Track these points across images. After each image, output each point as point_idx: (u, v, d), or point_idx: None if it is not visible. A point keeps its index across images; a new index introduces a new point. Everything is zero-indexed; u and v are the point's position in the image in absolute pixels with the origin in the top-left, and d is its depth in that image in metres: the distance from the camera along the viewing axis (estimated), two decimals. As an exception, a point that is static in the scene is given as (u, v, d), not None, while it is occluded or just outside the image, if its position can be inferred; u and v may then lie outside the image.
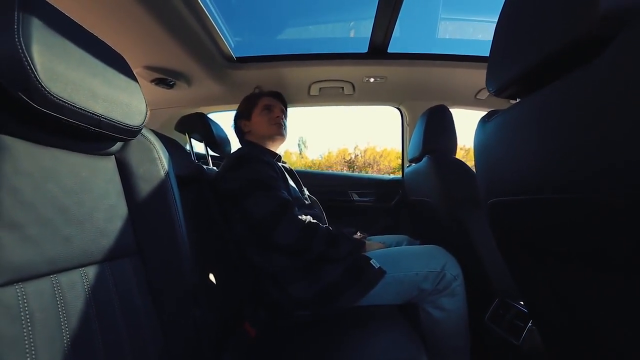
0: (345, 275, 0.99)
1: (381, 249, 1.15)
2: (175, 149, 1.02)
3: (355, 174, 1.87)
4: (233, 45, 1.39)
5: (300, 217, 1.01)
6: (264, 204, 0.98)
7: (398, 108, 1.79)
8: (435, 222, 1.21)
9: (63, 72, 0.43)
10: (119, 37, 1.08)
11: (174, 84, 1.40)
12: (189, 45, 1.19)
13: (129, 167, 0.63)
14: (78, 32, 0.49)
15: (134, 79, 0.61)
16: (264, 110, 1.26)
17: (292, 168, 1.39)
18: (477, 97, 1.61)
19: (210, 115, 1.43)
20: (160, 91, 1.44)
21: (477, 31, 1.54)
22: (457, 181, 1.09)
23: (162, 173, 0.69)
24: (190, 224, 0.74)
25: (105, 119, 0.51)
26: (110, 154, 0.60)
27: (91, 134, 0.51)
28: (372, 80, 1.51)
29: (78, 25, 0.50)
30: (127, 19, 0.99)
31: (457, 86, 1.57)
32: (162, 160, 0.70)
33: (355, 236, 1.34)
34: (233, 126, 1.33)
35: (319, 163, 11.31)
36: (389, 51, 1.40)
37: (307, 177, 1.81)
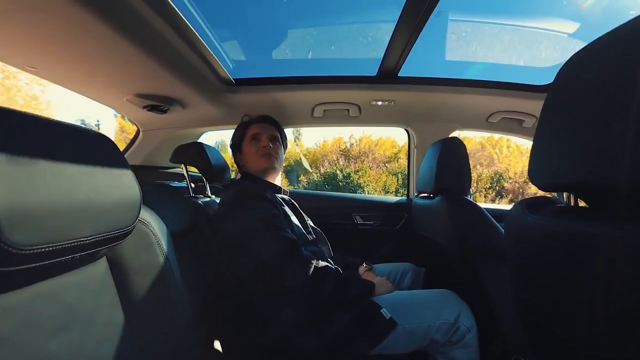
0: (354, 325, 0.94)
1: (391, 293, 1.10)
2: (171, 200, 0.94)
3: (360, 195, 1.80)
4: (232, 67, 1.29)
5: (308, 258, 0.96)
6: (270, 245, 0.92)
7: (406, 129, 1.70)
8: (446, 264, 1.16)
9: (26, 206, 0.35)
10: (107, 69, 0.98)
11: (167, 110, 1.30)
12: (183, 72, 1.09)
13: (123, 266, 0.55)
14: (38, 133, 0.40)
15: (122, 162, 0.53)
16: (252, 140, 1.17)
17: (294, 202, 1.32)
18: (489, 120, 1.53)
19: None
20: (154, 114, 1.34)
21: (486, 54, 1.45)
22: (472, 227, 1.03)
23: (161, 259, 0.61)
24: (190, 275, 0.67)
25: (91, 238, 0.43)
26: (100, 258, 0.53)
27: (74, 260, 0.43)
28: (379, 103, 1.42)
29: (37, 119, 0.40)
30: (114, 54, 0.89)
31: (468, 109, 1.49)
32: (161, 241, 0.63)
33: (361, 267, 1.29)
34: (232, 158, 1.25)
35: (314, 151, 11.19)
36: (400, 75, 1.30)
37: (309, 200, 1.75)
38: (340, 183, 9.26)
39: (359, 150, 10.96)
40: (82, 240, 0.42)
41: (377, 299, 1.00)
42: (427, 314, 0.97)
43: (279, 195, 1.16)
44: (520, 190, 10.07)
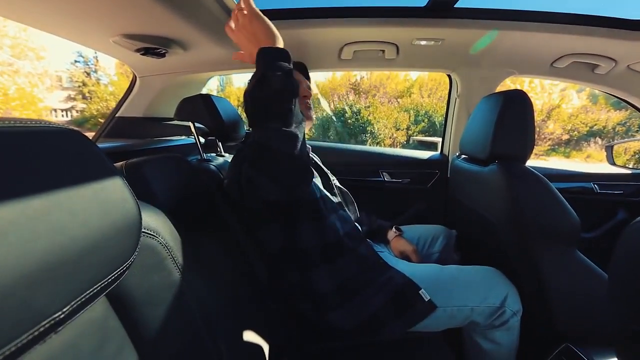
0: (389, 306, 0.87)
1: (432, 270, 1.00)
2: (176, 175, 0.77)
3: (388, 150, 1.61)
4: (241, -4, 1.00)
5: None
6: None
7: (449, 75, 1.43)
8: (493, 241, 1.04)
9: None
10: (84, 8, 0.74)
11: (165, 53, 1.06)
12: (179, 6, 0.83)
13: (127, 299, 0.42)
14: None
15: (106, 169, 0.36)
16: None
17: (316, 159, 1.16)
18: (554, 65, 1.25)
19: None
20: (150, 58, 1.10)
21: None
22: (536, 206, 0.87)
23: (177, 276, 0.48)
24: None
25: (75, 303, 0.29)
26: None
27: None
28: (423, 42, 1.15)
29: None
30: None
31: (529, 51, 1.21)
32: (174, 252, 0.49)
33: (390, 232, 1.20)
34: (242, 106, 1.05)
35: (323, 85, 10.55)
36: (456, 6, 1.01)
37: (333, 154, 1.57)
38: (349, 120, 8.90)
39: (370, 84, 10.30)
40: (57, 317, 0.28)
41: (415, 278, 0.90)
42: (471, 296, 0.89)
43: None
44: (538, 130, 9.64)
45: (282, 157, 0.63)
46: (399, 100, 9.74)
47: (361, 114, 8.94)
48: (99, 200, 0.33)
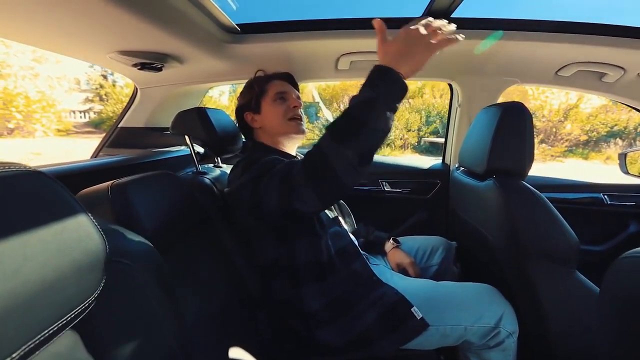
0: (381, 323, 0.85)
1: (426, 287, 0.98)
2: (163, 191, 0.78)
3: (389, 159, 1.59)
4: (235, 9, 1.01)
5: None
6: (274, 182, 0.70)
7: (449, 84, 1.40)
8: (490, 257, 1.01)
9: None
10: (74, 23, 0.76)
11: (161, 67, 1.07)
12: (172, 23, 0.85)
13: (96, 330, 0.42)
14: None
15: (68, 206, 0.37)
16: (276, 99, 0.96)
17: None
18: (559, 73, 1.21)
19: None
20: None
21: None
22: (532, 225, 0.84)
23: (153, 303, 0.49)
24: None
25: (32, 343, 0.30)
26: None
27: None
28: (421, 52, 1.13)
29: None
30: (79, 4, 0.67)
31: (533, 60, 1.17)
32: (148, 279, 0.49)
33: (388, 243, 1.18)
34: (236, 121, 1.05)
35: (333, 86, 10.49)
36: (452, 16, 0.99)
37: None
38: (359, 121, 8.81)
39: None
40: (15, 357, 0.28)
41: (409, 295, 0.89)
42: (465, 315, 0.87)
43: None
44: (554, 130, 9.36)
45: (337, 182, 0.60)
46: (410, 100, 9.63)
47: (371, 115, 8.86)
48: (58, 241, 0.34)
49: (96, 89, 11.54)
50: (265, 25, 1.07)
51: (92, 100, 11.77)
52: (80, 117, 11.56)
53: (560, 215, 0.85)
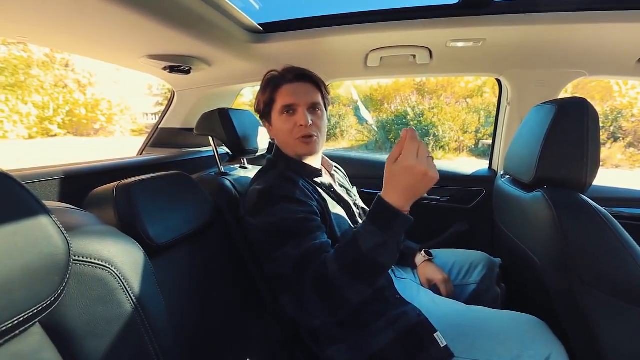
0: (397, 346, 0.76)
1: (456, 311, 0.87)
2: (182, 192, 0.78)
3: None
4: (258, 9, 0.99)
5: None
6: (288, 257, 0.72)
7: (497, 79, 1.23)
8: (537, 283, 0.85)
9: None
10: (103, 31, 0.81)
11: (189, 70, 1.10)
12: (194, 26, 0.86)
13: (65, 329, 0.41)
14: None
15: (30, 209, 0.36)
16: (283, 112, 0.84)
17: (342, 176, 1.07)
18: (642, 61, 0.98)
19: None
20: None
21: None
22: (593, 251, 0.68)
23: (128, 308, 0.47)
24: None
25: None
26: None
27: None
28: (461, 44, 0.99)
29: None
30: (107, 15, 0.72)
31: (605, 46, 0.96)
32: (130, 282, 0.48)
33: (419, 255, 1.07)
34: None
35: (385, 87, 10.18)
36: (495, 0, 0.85)
37: (360, 167, 1.48)
38: (411, 123, 8.47)
39: (436, 83, 9.69)
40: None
41: (434, 317, 0.78)
42: (500, 350, 0.74)
43: (319, 180, 0.92)
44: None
45: (348, 306, 0.66)
46: (467, 100, 8.97)
47: (424, 116, 8.45)
48: (8, 245, 0.33)
49: (165, 93, 12.78)
50: (289, 23, 1.04)
51: (161, 104, 13.07)
52: (152, 118, 12.88)
53: (631, 239, 0.67)
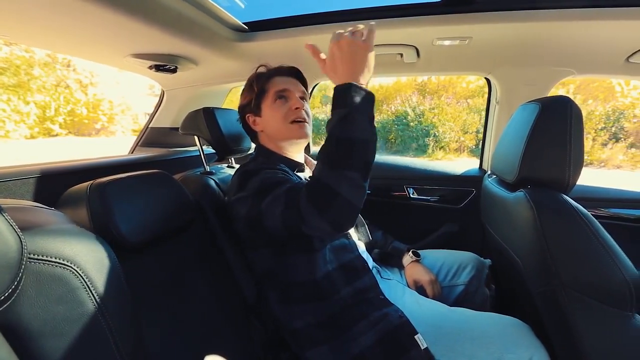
0: (378, 349, 0.75)
1: (437, 313, 0.86)
2: (156, 190, 0.78)
3: (417, 163, 1.43)
4: (243, 8, 0.99)
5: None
6: (278, 196, 0.70)
7: (486, 78, 1.22)
8: (520, 285, 0.83)
9: None
10: (87, 29, 0.81)
11: (175, 69, 1.09)
12: (178, 25, 0.86)
13: (19, 328, 0.41)
14: None
15: None
16: (277, 99, 0.87)
17: None
18: (630, 60, 0.96)
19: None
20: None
21: None
22: (574, 253, 0.67)
23: (91, 307, 0.47)
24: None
25: None
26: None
27: None
28: (447, 42, 0.99)
29: None
30: (88, 14, 0.71)
31: (593, 45, 0.95)
32: (93, 282, 0.48)
33: (406, 256, 1.06)
34: (240, 122, 0.97)
35: (387, 87, 10.13)
36: (479, -2, 0.84)
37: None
38: (411, 123, 8.44)
39: (438, 83, 9.66)
40: None
41: (417, 319, 0.78)
42: (481, 353, 0.73)
43: (301, 174, 0.92)
44: (646, 131, 7.89)
45: (346, 205, 0.61)
46: (468, 100, 8.93)
47: (425, 116, 8.42)
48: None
49: (166, 93, 12.83)
50: (274, 21, 1.03)
51: (163, 104, 13.11)
52: (153, 119, 12.93)
53: (612, 241, 0.66)
